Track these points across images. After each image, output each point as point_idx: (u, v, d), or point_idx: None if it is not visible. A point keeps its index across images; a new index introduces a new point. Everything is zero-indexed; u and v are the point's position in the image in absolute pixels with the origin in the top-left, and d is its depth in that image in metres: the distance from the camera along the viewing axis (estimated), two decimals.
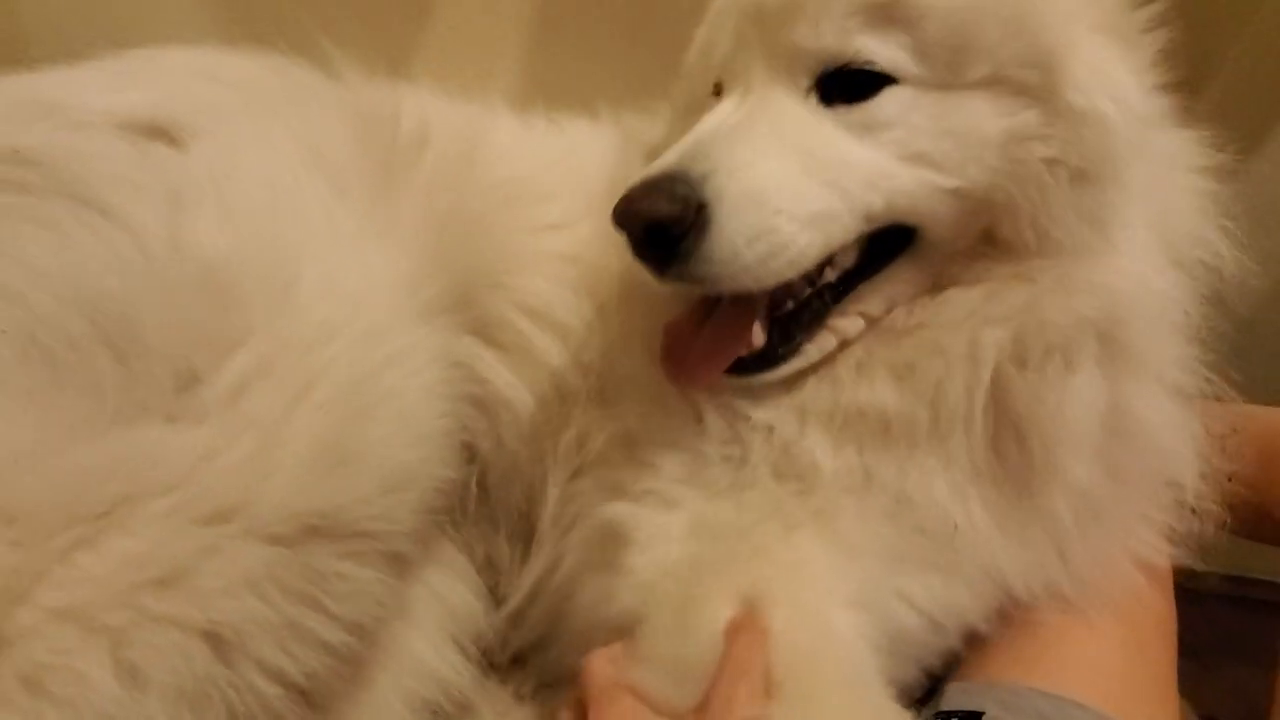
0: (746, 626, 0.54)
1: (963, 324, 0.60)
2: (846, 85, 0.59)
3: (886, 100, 0.58)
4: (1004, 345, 0.60)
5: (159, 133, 0.61)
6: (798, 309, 0.61)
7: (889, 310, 0.63)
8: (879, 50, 0.58)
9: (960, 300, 0.61)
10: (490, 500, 0.67)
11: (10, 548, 0.44)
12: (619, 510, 0.60)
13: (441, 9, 1.05)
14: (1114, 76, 0.59)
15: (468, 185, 0.70)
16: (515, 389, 0.67)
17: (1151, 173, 0.62)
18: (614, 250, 0.68)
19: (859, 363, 0.62)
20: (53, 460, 0.46)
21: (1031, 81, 0.58)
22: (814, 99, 0.60)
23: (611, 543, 0.60)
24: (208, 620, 0.44)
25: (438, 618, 0.60)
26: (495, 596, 0.67)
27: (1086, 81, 0.58)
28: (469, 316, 0.66)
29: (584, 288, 0.70)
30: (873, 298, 0.63)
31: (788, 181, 0.57)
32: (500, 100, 0.86)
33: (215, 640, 0.44)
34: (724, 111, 0.61)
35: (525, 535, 0.68)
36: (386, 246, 0.60)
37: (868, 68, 0.58)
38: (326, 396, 0.50)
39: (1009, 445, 0.60)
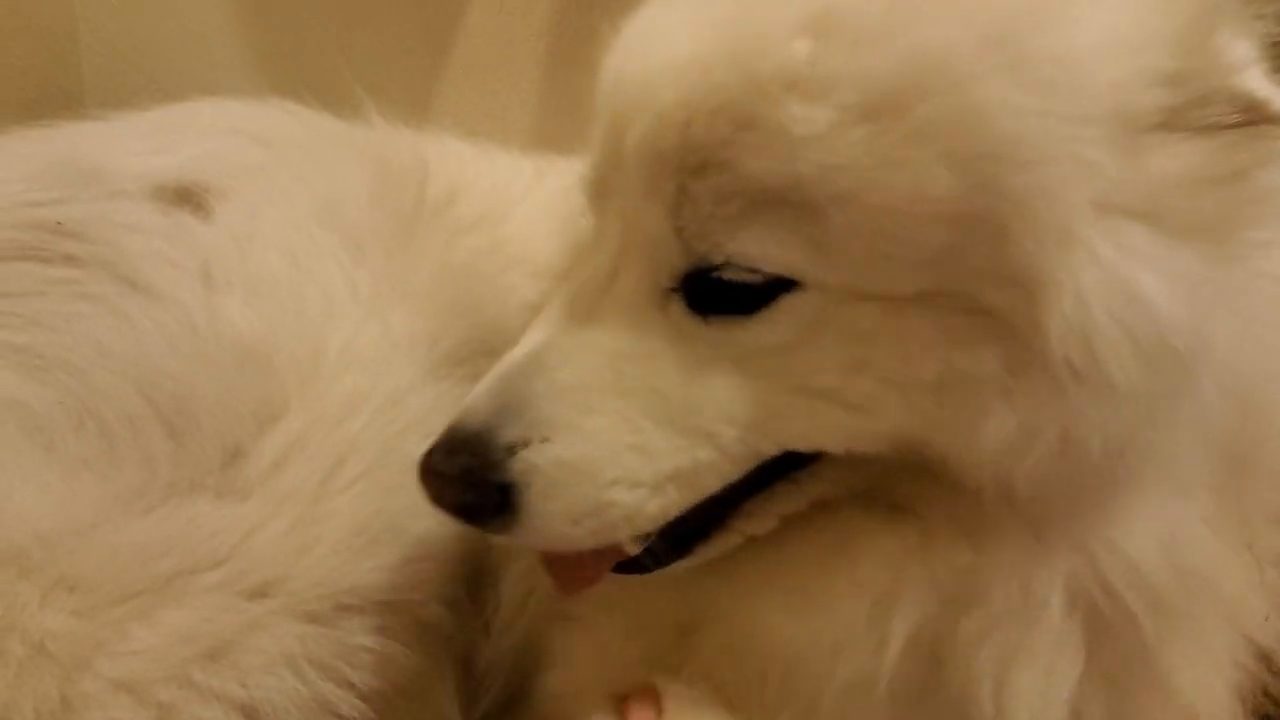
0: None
1: (872, 584, 0.48)
2: (725, 289, 0.45)
3: (782, 314, 0.44)
4: (917, 630, 0.47)
5: (188, 196, 0.65)
6: (682, 521, 0.49)
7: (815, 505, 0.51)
8: (768, 250, 0.43)
9: (880, 547, 0.48)
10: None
11: (73, 617, 0.48)
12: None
13: (458, 49, 1.08)
14: (1142, 286, 0.41)
15: (489, 244, 0.73)
16: None
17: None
18: None
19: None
20: (112, 533, 0.50)
21: (996, 303, 0.42)
22: (679, 305, 0.47)
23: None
24: (248, 696, 0.48)
25: (454, 671, 0.62)
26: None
27: (1090, 302, 0.40)
28: (484, 367, 0.69)
29: None
30: (791, 498, 0.50)
31: (627, 439, 0.45)
32: (517, 133, 0.89)
33: (252, 714, 0.48)
34: (548, 327, 0.49)
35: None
36: (403, 304, 0.63)
37: (749, 276, 0.44)
38: (357, 472, 0.55)
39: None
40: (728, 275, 0.44)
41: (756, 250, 0.43)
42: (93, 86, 1.09)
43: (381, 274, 0.64)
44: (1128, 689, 0.50)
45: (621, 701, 0.52)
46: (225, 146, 0.70)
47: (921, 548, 0.48)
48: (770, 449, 0.47)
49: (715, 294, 0.45)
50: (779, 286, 0.44)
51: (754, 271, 0.44)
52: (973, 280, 0.42)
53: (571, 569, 0.52)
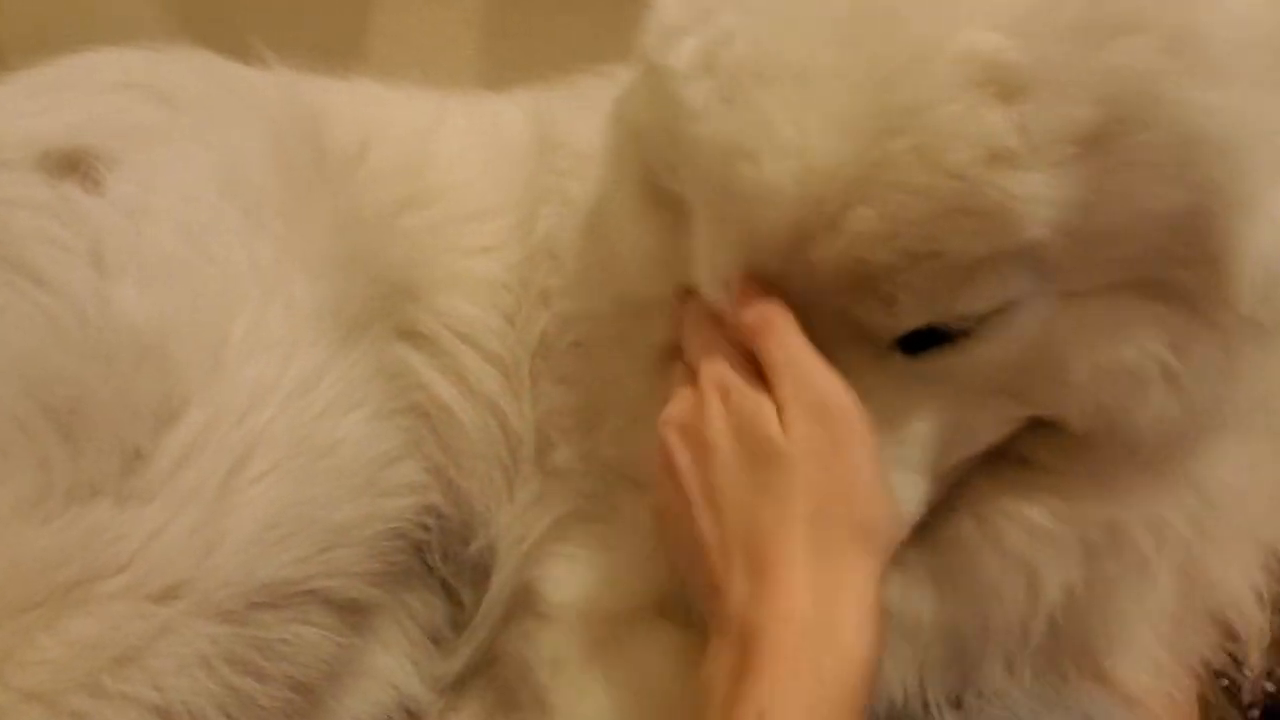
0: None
1: (1017, 552, 0.50)
2: (932, 335, 0.45)
3: (992, 331, 0.45)
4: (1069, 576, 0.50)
5: (76, 164, 0.60)
6: None
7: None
8: (993, 293, 0.43)
9: (1019, 515, 0.50)
10: (450, 536, 0.68)
11: None
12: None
13: None
14: None
15: (403, 198, 0.70)
16: (455, 399, 0.67)
17: None
18: (530, 290, 0.67)
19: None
20: (10, 544, 0.49)
21: (1181, 283, 0.44)
22: (896, 357, 0.46)
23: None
24: (163, 699, 0.48)
25: (405, 639, 0.64)
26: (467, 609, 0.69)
27: (1271, 261, 0.43)
28: (396, 321, 0.66)
29: (513, 323, 0.68)
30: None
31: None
32: (464, 62, 0.84)
33: (168, 716, 0.49)
34: None
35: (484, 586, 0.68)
36: (307, 271, 0.60)
37: (965, 322, 0.44)
38: (264, 466, 0.53)
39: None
40: (951, 326, 0.44)
41: (982, 300, 0.43)
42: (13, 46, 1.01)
43: (283, 243, 0.60)
44: (1189, 606, 0.55)
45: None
46: (117, 104, 0.66)
47: (1066, 510, 0.50)
48: (950, 462, 0.49)
49: (928, 334, 0.45)
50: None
51: (972, 315, 0.44)
52: (1165, 266, 0.44)
53: None
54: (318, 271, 0.61)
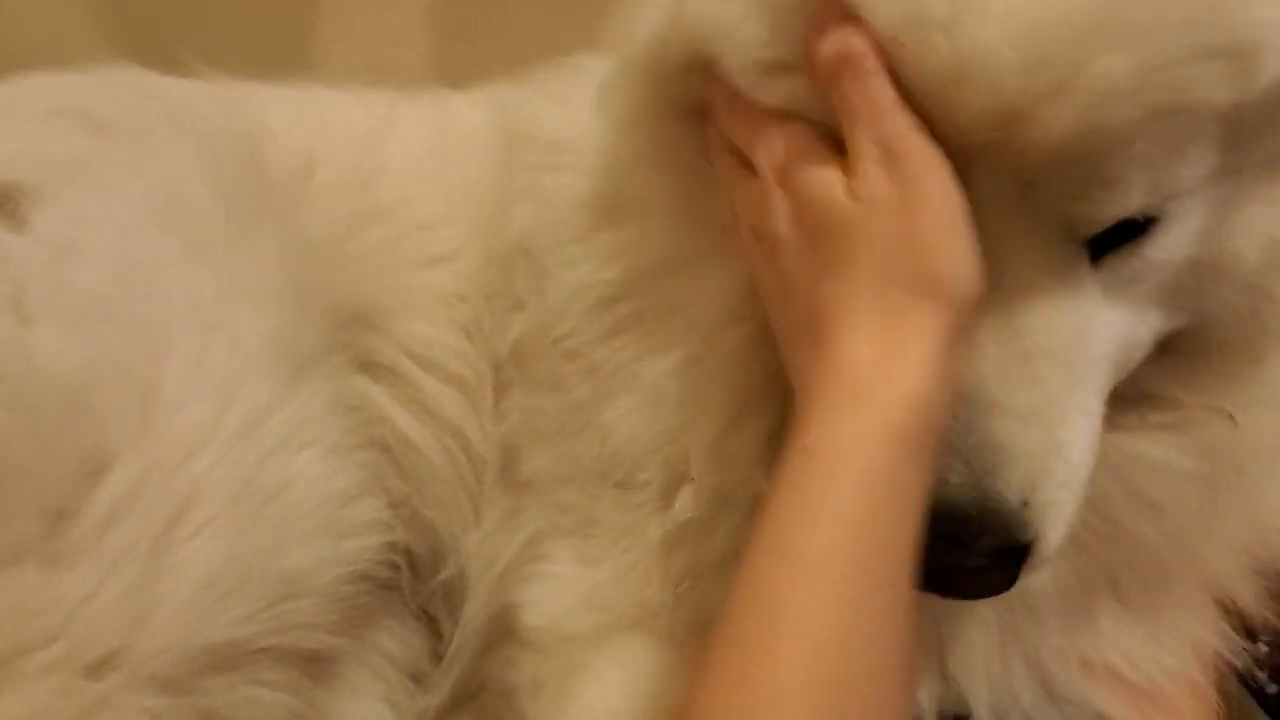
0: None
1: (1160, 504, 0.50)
2: (1125, 229, 0.43)
3: (1171, 227, 0.43)
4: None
5: (2, 201, 0.57)
6: None
7: None
8: (1190, 171, 0.41)
9: (1158, 463, 0.50)
10: (419, 570, 0.65)
11: None
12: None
13: None
14: None
15: (353, 216, 0.66)
16: (416, 431, 0.64)
17: None
18: (495, 299, 0.64)
19: None
20: None
21: None
22: (1083, 261, 0.44)
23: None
24: None
25: (378, 681, 0.61)
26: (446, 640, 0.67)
27: None
28: (354, 354, 0.63)
29: (474, 337, 0.65)
30: None
31: (1087, 424, 0.44)
32: (412, 61, 0.80)
33: None
34: (946, 354, 0.42)
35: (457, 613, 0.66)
36: (253, 303, 0.57)
37: (1161, 207, 0.42)
38: (202, 519, 0.49)
39: None
40: (1150, 214, 0.41)
41: (1188, 177, 0.41)
42: None
43: (225, 274, 0.56)
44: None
45: None
46: (46, 135, 0.62)
47: (1187, 443, 0.50)
48: (1119, 377, 0.46)
49: (1112, 237, 0.43)
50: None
51: (1170, 198, 0.41)
52: None
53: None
54: (266, 304, 0.57)
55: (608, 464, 0.58)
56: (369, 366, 0.64)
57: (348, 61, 0.77)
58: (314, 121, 0.69)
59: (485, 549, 0.64)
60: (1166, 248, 0.43)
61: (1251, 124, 0.41)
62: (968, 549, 0.42)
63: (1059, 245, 0.42)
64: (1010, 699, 0.53)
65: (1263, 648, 0.65)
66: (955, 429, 0.42)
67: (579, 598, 0.58)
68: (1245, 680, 0.64)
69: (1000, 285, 0.42)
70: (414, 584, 0.64)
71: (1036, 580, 0.49)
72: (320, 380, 0.58)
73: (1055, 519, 0.43)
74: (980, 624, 0.52)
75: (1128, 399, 0.48)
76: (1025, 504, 0.42)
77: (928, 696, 0.53)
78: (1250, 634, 0.59)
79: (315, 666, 0.55)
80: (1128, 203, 0.41)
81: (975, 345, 0.43)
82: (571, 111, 0.66)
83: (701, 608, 0.54)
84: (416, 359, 0.64)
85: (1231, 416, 0.50)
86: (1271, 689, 0.70)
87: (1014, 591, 0.48)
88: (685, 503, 0.54)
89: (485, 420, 0.64)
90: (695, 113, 0.51)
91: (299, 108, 0.71)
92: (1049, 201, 0.41)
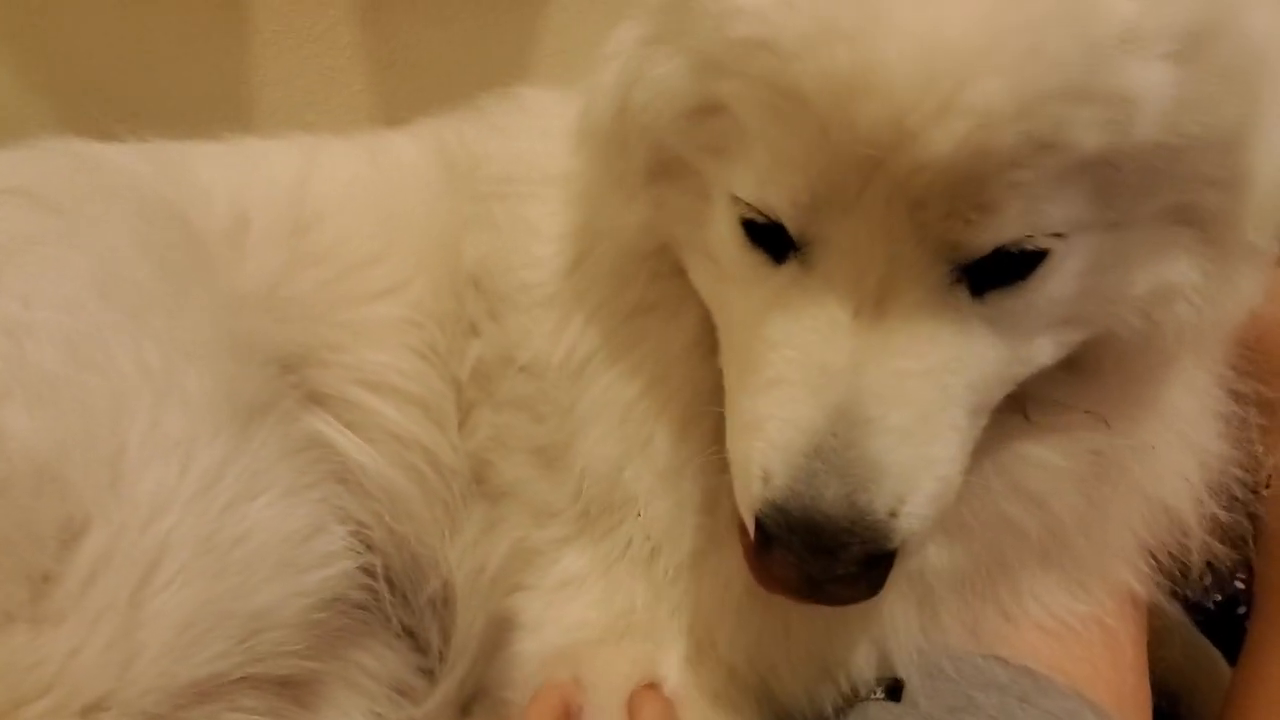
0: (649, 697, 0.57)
1: (1041, 497, 0.56)
2: (1001, 266, 0.45)
3: (1052, 270, 0.46)
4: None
5: None
6: None
7: None
8: (1060, 214, 0.43)
9: (1039, 460, 0.55)
10: (400, 587, 0.70)
11: None
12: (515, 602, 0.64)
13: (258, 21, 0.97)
14: None
15: (288, 263, 0.70)
16: (370, 456, 0.69)
17: None
18: (449, 324, 0.69)
19: None
20: None
21: (1210, 205, 0.47)
22: (964, 293, 0.46)
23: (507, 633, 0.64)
24: None
25: (361, 698, 0.65)
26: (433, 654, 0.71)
27: (1271, 186, 0.46)
28: (302, 392, 0.68)
29: (432, 360, 0.69)
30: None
31: (961, 445, 0.47)
32: (334, 91, 0.83)
33: None
34: (844, 339, 0.46)
35: (450, 619, 0.70)
36: (196, 364, 0.61)
37: (1037, 243, 0.44)
38: (172, 571, 0.55)
39: None
40: (1026, 247, 0.44)
41: (1059, 218, 0.43)
42: None
43: (169, 337, 0.61)
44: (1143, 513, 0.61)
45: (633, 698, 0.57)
46: None
47: (1071, 445, 0.55)
48: (1008, 389, 0.50)
49: (991, 273, 0.45)
50: (1047, 251, 0.45)
51: (1047, 233, 0.43)
52: (1200, 189, 0.46)
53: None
54: (207, 361, 0.62)
55: (586, 490, 0.63)
56: (319, 399, 0.68)
57: (287, 103, 0.80)
58: (244, 176, 0.73)
59: (471, 558, 0.68)
60: (1048, 292, 0.46)
61: (1131, 182, 0.44)
62: (837, 558, 0.45)
63: (942, 270, 0.45)
64: (935, 661, 0.58)
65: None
66: (833, 444, 0.45)
67: (570, 615, 0.63)
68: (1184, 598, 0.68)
69: (883, 305, 0.45)
70: (397, 602, 0.68)
71: (933, 561, 0.56)
72: (270, 427, 0.62)
73: (919, 529, 0.46)
74: (901, 598, 0.58)
75: (1016, 400, 0.52)
76: (893, 515, 0.45)
77: (865, 663, 0.59)
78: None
79: (294, 691, 0.60)
80: (1004, 230, 0.43)
81: (856, 363, 0.45)
82: (517, 142, 0.71)
83: (683, 601, 0.61)
84: (368, 385, 0.68)
85: (1105, 421, 0.55)
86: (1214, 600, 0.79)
87: (917, 572, 0.56)
88: (653, 515, 0.59)
89: (451, 435, 0.68)
90: (656, 175, 0.55)
91: (229, 163, 0.75)
92: (933, 222, 0.43)
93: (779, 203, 0.46)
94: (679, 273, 0.58)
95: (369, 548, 0.67)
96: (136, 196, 0.69)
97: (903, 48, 0.39)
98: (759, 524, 0.47)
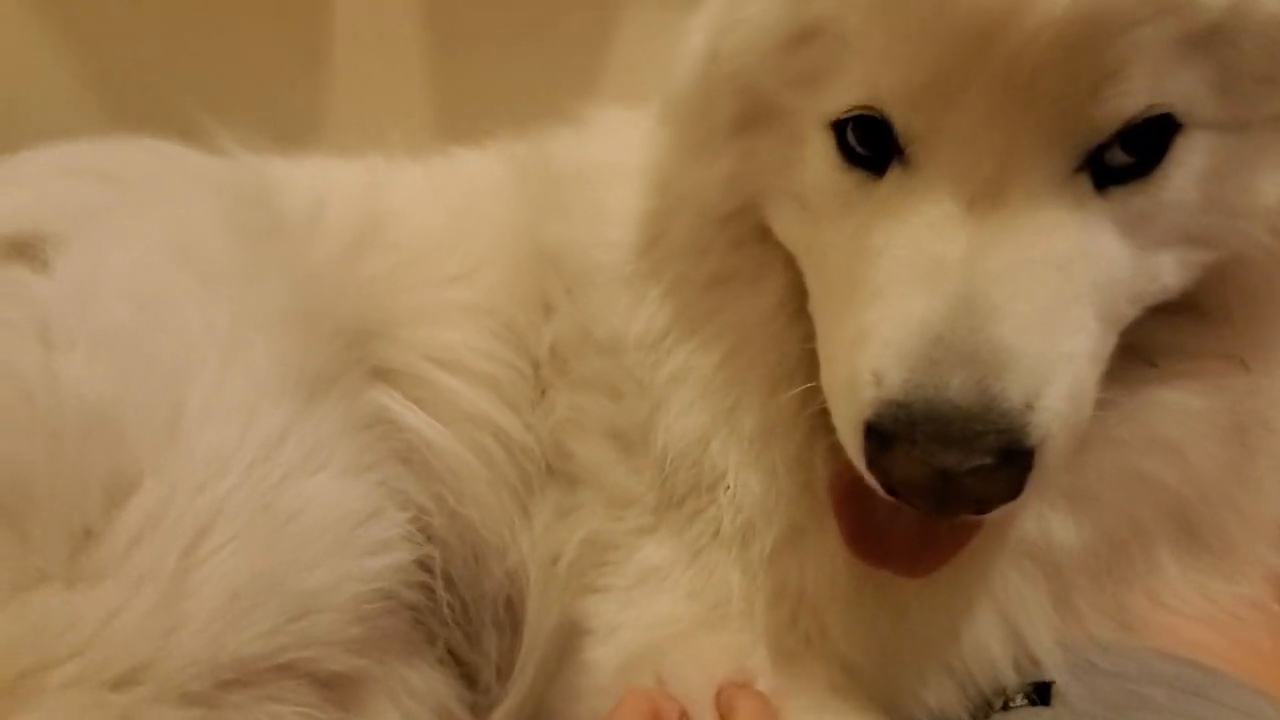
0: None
1: (1168, 438, 0.50)
2: (1123, 154, 0.43)
3: (1174, 169, 0.44)
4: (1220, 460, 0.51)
5: (24, 249, 0.59)
6: None
7: None
8: (1182, 90, 0.42)
9: (1175, 405, 0.50)
10: (458, 587, 0.65)
11: None
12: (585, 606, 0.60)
13: (340, 60, 1.02)
14: None
15: (366, 251, 0.69)
16: (439, 433, 0.65)
17: None
18: (523, 307, 0.67)
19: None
20: None
21: None
22: (1086, 184, 0.44)
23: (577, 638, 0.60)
24: None
25: (403, 717, 0.59)
26: (481, 687, 0.66)
27: None
28: (369, 366, 0.65)
29: (507, 340, 0.67)
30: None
31: (1089, 346, 0.43)
32: (405, 125, 0.84)
33: None
34: (959, 231, 0.43)
35: (512, 623, 0.65)
36: (265, 331, 0.59)
37: (1160, 115, 0.42)
38: (224, 538, 0.50)
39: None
40: (1144, 118, 0.41)
41: (1184, 95, 0.42)
42: None
43: (240, 305, 0.59)
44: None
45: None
46: (64, 189, 0.65)
47: (1212, 390, 0.50)
48: (1136, 312, 0.46)
49: (1114, 164, 0.43)
50: (1171, 132, 0.43)
51: (1168, 111, 0.42)
52: None
53: (927, 543, 0.48)
54: (277, 331, 0.59)
55: (669, 470, 0.59)
56: (386, 374, 0.65)
57: (358, 137, 0.82)
58: (321, 175, 0.74)
59: (544, 545, 0.64)
60: (1172, 193, 0.44)
61: (1254, 69, 0.43)
62: (971, 447, 0.40)
63: (1063, 157, 0.43)
64: (1083, 655, 0.51)
65: None
66: (956, 332, 0.41)
67: (645, 620, 0.58)
68: None
69: (1004, 192, 0.43)
70: (455, 605, 0.63)
71: (1059, 537, 0.50)
72: (333, 401, 0.59)
73: (1059, 429, 0.42)
74: (1030, 581, 0.52)
75: (1140, 352, 0.49)
76: (1029, 406, 0.41)
77: (999, 656, 0.53)
78: None
79: (338, 692, 0.54)
80: (1128, 100, 0.41)
81: (977, 250, 0.43)
82: (588, 142, 0.72)
83: (783, 586, 0.55)
84: (438, 362, 0.65)
85: (1244, 363, 0.50)
86: None
87: (1043, 550, 0.50)
88: (744, 487, 0.55)
89: (525, 415, 0.65)
90: (743, 126, 0.54)
91: (304, 168, 0.75)
92: (1055, 98, 0.41)
93: (890, 90, 0.44)
94: (759, 238, 0.56)
95: (429, 539, 0.62)
96: (214, 179, 0.68)
97: None
98: (870, 430, 0.42)
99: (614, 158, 0.68)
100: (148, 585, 0.48)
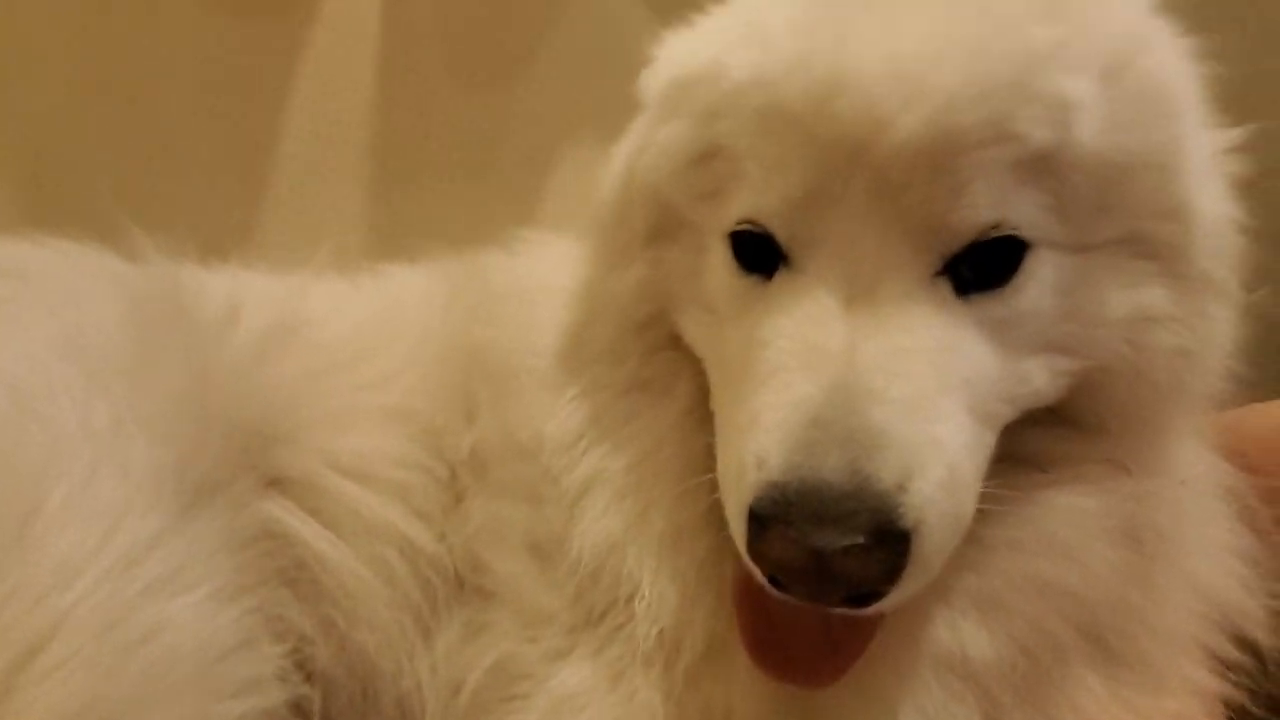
0: None
1: (1075, 548, 0.51)
2: (980, 265, 0.47)
3: (1027, 282, 0.48)
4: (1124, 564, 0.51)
5: None
6: None
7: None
8: (1025, 211, 0.47)
9: (1066, 507, 0.51)
10: None
11: None
12: None
13: (278, 183, 1.03)
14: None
15: (277, 353, 0.66)
16: (335, 546, 0.61)
17: None
18: (444, 410, 0.66)
19: (938, 591, 0.49)
20: None
21: (1163, 236, 0.50)
22: (947, 288, 0.47)
23: None
24: None
25: None
26: None
27: (1213, 239, 0.51)
28: (261, 473, 0.61)
29: (425, 444, 0.64)
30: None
31: (963, 439, 0.45)
32: (342, 256, 0.84)
33: None
34: (837, 324, 0.46)
35: None
36: (149, 433, 0.55)
37: (1011, 234, 0.47)
38: (61, 657, 0.44)
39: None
40: (994, 236, 0.46)
41: (1024, 215, 0.47)
42: None
43: (125, 402, 0.55)
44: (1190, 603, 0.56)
45: None
46: None
47: (1102, 494, 0.52)
48: (1009, 417, 0.49)
49: (973, 267, 0.48)
50: (1021, 251, 0.47)
51: (1013, 231, 0.47)
52: (1149, 219, 0.50)
53: (826, 648, 0.47)
54: (163, 431, 0.55)
55: (584, 576, 0.57)
56: (282, 483, 0.61)
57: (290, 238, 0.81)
58: (240, 283, 0.71)
59: (445, 671, 0.59)
60: (1029, 300, 0.48)
61: (1084, 198, 0.48)
62: (844, 526, 0.41)
63: (927, 261, 0.47)
64: None
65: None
66: (833, 415, 0.43)
67: None
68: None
69: (878, 291, 0.47)
70: None
71: (975, 652, 0.50)
72: (215, 511, 0.55)
73: (933, 517, 0.42)
74: (958, 700, 0.50)
75: (1030, 459, 0.52)
76: (901, 488, 0.42)
77: None
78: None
79: None
80: (976, 210, 0.46)
81: (855, 340, 0.45)
82: (520, 260, 0.74)
83: (702, 701, 0.53)
84: (343, 470, 0.62)
85: (1126, 468, 0.52)
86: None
87: (961, 663, 0.49)
88: (659, 596, 0.53)
89: (437, 524, 0.62)
90: (655, 236, 0.58)
91: (221, 276, 0.72)
92: (916, 208, 0.46)
93: (772, 206, 0.49)
94: (672, 345, 0.59)
95: (308, 676, 0.56)
96: (121, 281, 0.65)
97: (870, 54, 0.46)
98: (751, 514, 0.43)
99: (544, 277, 0.70)
100: None
